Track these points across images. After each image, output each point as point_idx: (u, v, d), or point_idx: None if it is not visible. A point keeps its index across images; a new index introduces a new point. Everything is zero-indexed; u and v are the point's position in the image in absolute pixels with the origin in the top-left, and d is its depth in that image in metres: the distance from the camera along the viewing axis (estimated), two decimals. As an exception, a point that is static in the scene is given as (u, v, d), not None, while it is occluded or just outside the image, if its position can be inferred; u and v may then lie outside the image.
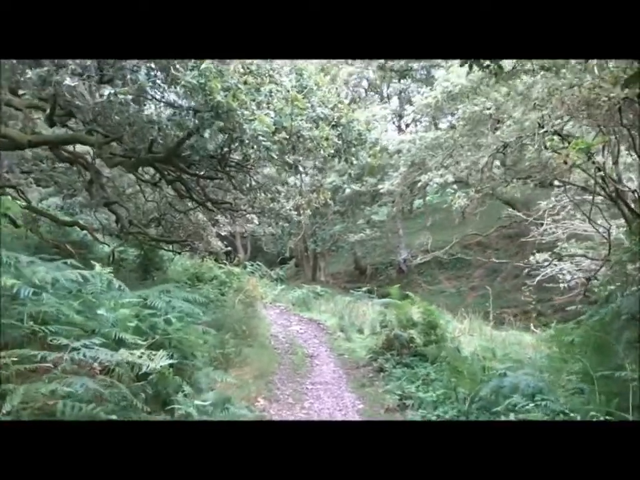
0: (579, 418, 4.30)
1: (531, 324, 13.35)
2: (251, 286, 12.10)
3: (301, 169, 7.47)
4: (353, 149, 7.62)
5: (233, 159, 8.45)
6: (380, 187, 16.98)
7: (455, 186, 15.26)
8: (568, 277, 12.84)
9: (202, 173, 8.48)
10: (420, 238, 17.66)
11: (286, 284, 20.00)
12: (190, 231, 13.30)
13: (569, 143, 4.82)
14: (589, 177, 5.85)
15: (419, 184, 15.28)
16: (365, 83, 25.83)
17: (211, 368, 5.26)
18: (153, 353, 3.46)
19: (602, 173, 5.43)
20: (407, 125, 20.12)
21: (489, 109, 14.18)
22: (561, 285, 12.78)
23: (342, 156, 7.54)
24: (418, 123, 17.13)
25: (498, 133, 15.12)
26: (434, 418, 5.23)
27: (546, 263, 13.35)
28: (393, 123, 20.81)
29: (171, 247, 13.91)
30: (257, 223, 13.76)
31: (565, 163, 4.61)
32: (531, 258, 14.06)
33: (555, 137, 5.06)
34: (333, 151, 7.19)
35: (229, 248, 14.54)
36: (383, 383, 6.73)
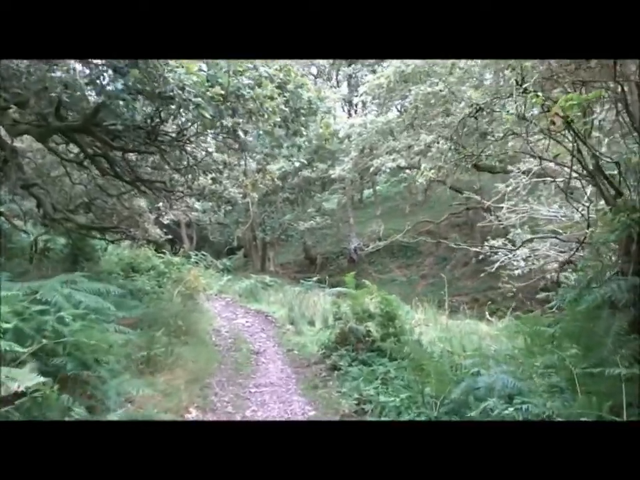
0: (568, 424, 3.57)
1: (486, 312, 12.86)
2: (192, 277, 10.92)
3: (241, 134, 6.38)
4: (302, 119, 6.64)
5: (165, 132, 7.28)
6: (331, 172, 16.08)
7: (408, 171, 14.53)
8: (522, 264, 12.40)
9: (130, 147, 7.25)
10: (372, 226, 16.90)
11: (233, 274, 18.83)
12: (124, 217, 11.94)
13: (555, 102, 4.11)
14: (566, 149, 5.15)
15: (371, 169, 14.47)
16: (314, 70, 24.84)
17: (127, 376, 4.17)
18: (16, 369, 2.38)
19: (579, 142, 4.72)
20: (356, 108, 19.26)
21: (442, 90, 13.57)
22: (516, 272, 12.33)
23: (290, 126, 6.55)
24: (368, 107, 16.29)
25: (450, 118, 14.57)
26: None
27: (501, 250, 12.85)
28: (343, 109, 19.91)
29: (104, 235, 12.54)
30: (199, 207, 12.53)
31: (553, 123, 3.83)
32: (486, 244, 13.54)
33: (540, 94, 4.35)
34: (279, 119, 6.19)
35: (170, 236, 13.17)
36: (337, 384, 5.84)
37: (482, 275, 18.94)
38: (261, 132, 7.78)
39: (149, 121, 6.97)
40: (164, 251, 13.01)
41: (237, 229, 20.60)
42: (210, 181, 8.64)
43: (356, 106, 19.39)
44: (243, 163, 8.41)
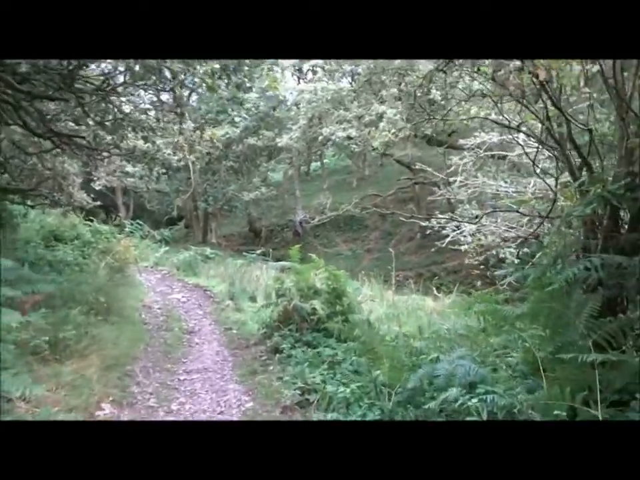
0: (537, 418, 3.10)
1: (433, 288, 12.60)
2: (122, 247, 9.87)
3: (167, 74, 5.43)
4: (246, 68, 5.76)
5: (86, 77, 6.19)
6: (278, 140, 15.17)
7: (358, 142, 13.88)
8: (469, 239, 12.14)
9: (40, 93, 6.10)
10: (320, 198, 16.21)
11: (172, 246, 17.68)
12: (44, 179, 10.60)
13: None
14: (536, 116, 4.65)
15: (320, 138, 13.70)
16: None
17: (12, 372, 3.30)
18: None
19: (551, 109, 4.21)
20: (306, 77, 18.30)
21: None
22: (462, 248, 12.06)
23: (231, 75, 5.66)
24: (319, 75, 15.42)
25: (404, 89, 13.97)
26: (347, 419, 3.78)
27: (449, 225, 12.54)
28: (292, 75, 18.90)
29: (24, 199, 11.16)
30: (130, 171, 11.29)
31: (537, 77, 3.24)
32: (433, 220, 13.18)
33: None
34: (217, 66, 5.31)
35: (98, 202, 11.88)
36: (278, 369, 5.18)
37: (431, 250, 18.86)
38: (201, 88, 6.83)
39: (65, 62, 5.88)
40: (91, 218, 11.79)
41: (177, 197, 19.34)
42: (141, 141, 7.59)
43: (306, 73, 18.44)
44: (178, 121, 7.39)
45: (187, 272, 12.81)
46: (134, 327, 6.59)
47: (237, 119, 16.48)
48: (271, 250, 14.17)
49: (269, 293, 9.93)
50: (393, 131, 12.35)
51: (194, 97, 16.84)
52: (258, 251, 16.45)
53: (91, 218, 11.85)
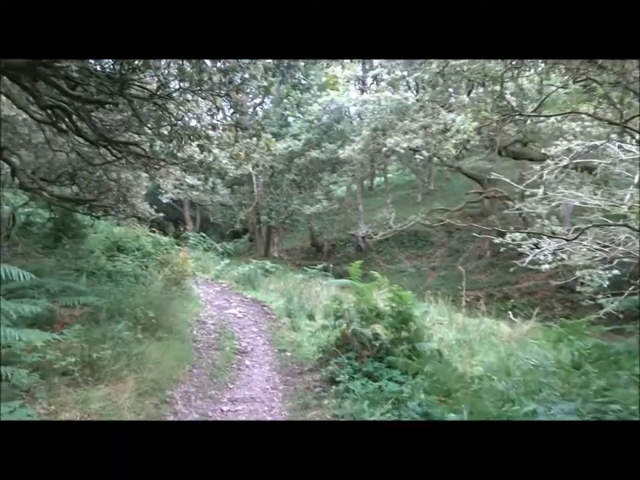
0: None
1: (509, 312, 11.36)
2: (180, 259, 9.54)
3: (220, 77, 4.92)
4: (301, 64, 5.16)
5: (139, 81, 5.84)
6: (340, 152, 14.56)
7: (425, 152, 12.98)
8: (549, 258, 10.85)
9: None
10: (382, 212, 15.38)
11: (234, 259, 17.47)
12: (108, 190, 10.53)
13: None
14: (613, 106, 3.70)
15: (384, 150, 12.93)
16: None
17: (10, 408, 2.77)
18: None
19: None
20: (370, 89, 17.64)
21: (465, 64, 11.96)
22: (543, 267, 10.78)
23: (285, 73, 5.08)
24: (382, 85, 14.70)
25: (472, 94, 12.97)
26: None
27: (524, 243, 11.31)
28: (355, 85, 18.30)
29: (90, 210, 11.21)
30: (189, 181, 11.02)
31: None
32: (507, 236, 11.95)
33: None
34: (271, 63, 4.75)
35: (161, 214, 11.71)
36: (334, 403, 4.43)
37: (504, 269, 17.39)
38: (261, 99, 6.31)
39: (117, 67, 5.56)
40: (153, 229, 11.66)
41: (241, 211, 19.18)
42: (197, 149, 7.19)
43: (370, 85, 17.79)
44: (235, 128, 6.91)
45: (246, 286, 12.38)
46: (182, 344, 6.08)
47: (298, 132, 16.08)
48: (332, 265, 13.48)
49: (328, 312, 9.26)
50: (462, 138, 11.39)
51: (259, 112, 16.66)
52: (319, 266, 15.86)
53: (154, 229, 11.72)
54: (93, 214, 10.90)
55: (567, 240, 7.78)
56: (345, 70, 15.97)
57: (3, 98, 8.02)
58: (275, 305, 10.10)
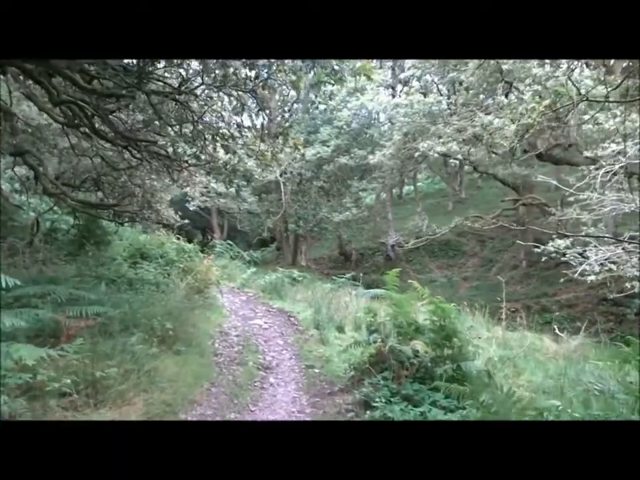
0: None
1: (553, 325, 10.50)
2: (204, 267, 9.07)
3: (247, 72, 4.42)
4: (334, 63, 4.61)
5: (157, 75, 5.41)
6: (370, 158, 13.96)
7: (460, 156, 12.26)
8: (596, 268, 9.96)
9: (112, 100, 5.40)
10: (415, 219, 14.67)
11: (261, 268, 17.01)
12: (130, 194, 10.19)
13: None
14: None
15: (416, 154, 12.27)
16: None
17: None
18: None
19: None
20: (400, 93, 17.01)
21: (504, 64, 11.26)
22: (589, 279, 9.90)
23: (315, 71, 4.53)
24: (414, 88, 14.07)
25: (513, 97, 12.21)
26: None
27: (569, 251, 10.46)
28: (385, 89, 17.72)
29: (114, 216, 10.91)
30: (215, 186, 10.52)
31: None
32: (550, 245, 11.08)
33: None
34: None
35: (186, 221, 11.27)
36: (369, 433, 3.79)
37: (541, 279, 16.40)
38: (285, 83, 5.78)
39: (134, 60, 5.13)
40: (178, 237, 11.27)
41: (268, 219, 18.74)
42: (221, 150, 6.72)
43: (401, 90, 17.20)
44: (259, 125, 6.41)
45: (272, 295, 11.84)
46: (201, 358, 5.55)
47: (327, 138, 15.56)
48: (361, 275, 12.82)
49: (359, 325, 8.62)
50: (501, 142, 10.65)
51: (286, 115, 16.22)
52: (347, 275, 15.24)
53: (179, 237, 11.33)
54: (118, 220, 10.60)
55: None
56: (374, 75, 15.42)
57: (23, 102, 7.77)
58: (302, 315, 9.53)
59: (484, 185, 27.95)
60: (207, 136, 6.51)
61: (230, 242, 15.71)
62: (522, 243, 12.40)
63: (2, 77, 6.76)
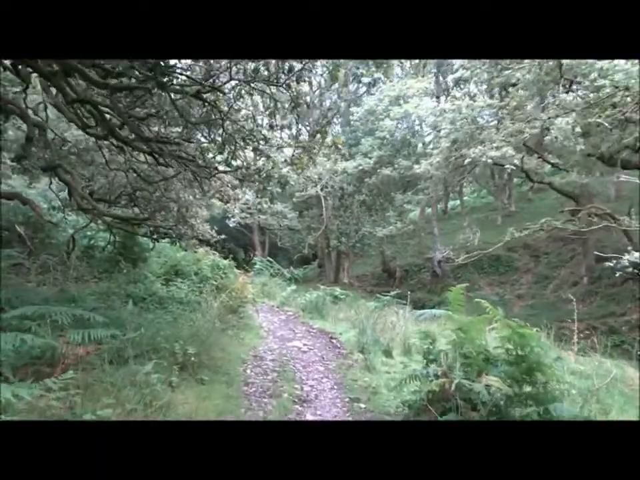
0: None
1: (636, 350, 9.10)
2: (239, 285, 8.34)
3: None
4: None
5: (177, 67, 4.77)
6: (416, 168, 13.00)
7: (516, 161, 11.12)
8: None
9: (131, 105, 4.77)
10: (466, 232, 13.53)
11: (302, 285, 16.21)
12: (162, 208, 9.65)
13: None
14: None
15: (466, 161, 11.21)
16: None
17: None
18: None
19: None
20: (446, 98, 15.99)
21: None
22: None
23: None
24: (461, 89, 13.05)
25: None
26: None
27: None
28: (431, 96, 16.75)
29: (152, 232, 10.44)
30: (249, 197, 9.77)
31: None
32: (626, 258, 9.69)
33: None
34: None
35: (222, 236, 10.55)
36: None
37: (598, 297, 14.84)
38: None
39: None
40: (215, 252, 10.64)
41: (309, 235, 17.99)
42: (252, 154, 6.00)
43: (446, 96, 16.20)
44: (295, 126, 5.64)
45: (313, 314, 10.98)
46: (228, 389, 4.73)
47: (369, 149, 14.71)
48: (409, 292, 11.78)
49: (407, 348, 7.61)
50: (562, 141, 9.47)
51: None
52: (392, 293, 14.21)
53: (216, 252, 10.70)
54: (153, 237, 10.10)
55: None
56: (418, 82, 14.52)
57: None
58: (345, 337, 8.60)
59: (535, 197, 26.27)
60: (237, 139, 5.82)
61: (270, 259, 15.02)
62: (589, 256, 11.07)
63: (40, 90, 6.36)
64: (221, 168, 6.33)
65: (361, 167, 14.85)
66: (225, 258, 10.72)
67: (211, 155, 6.40)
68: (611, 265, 9.91)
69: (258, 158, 6.22)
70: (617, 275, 10.50)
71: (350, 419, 4.48)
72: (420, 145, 14.30)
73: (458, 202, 29.63)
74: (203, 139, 6.35)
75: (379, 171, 14.91)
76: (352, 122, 15.89)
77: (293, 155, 5.75)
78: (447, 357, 3.88)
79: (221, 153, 6.08)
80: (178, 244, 12.22)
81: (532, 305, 17.54)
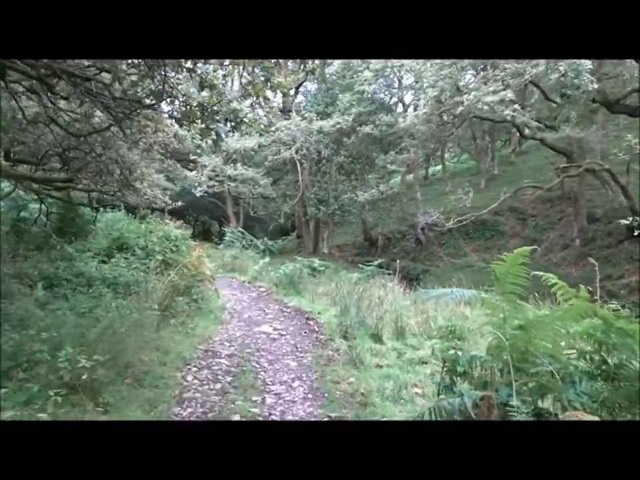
0: None
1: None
2: (194, 259, 6.58)
3: None
4: None
5: None
6: (401, 121, 11.20)
7: (517, 107, 9.43)
8: None
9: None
10: (457, 193, 11.93)
11: (278, 257, 14.50)
12: (108, 172, 7.76)
13: None
14: None
15: (459, 109, 9.45)
16: None
17: None
18: None
19: None
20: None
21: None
22: None
23: None
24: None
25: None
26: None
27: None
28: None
29: (91, 201, 8.60)
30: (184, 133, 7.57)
31: None
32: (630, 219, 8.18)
33: None
34: None
35: (169, 201, 8.55)
36: None
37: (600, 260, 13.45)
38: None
39: None
40: (167, 222, 8.79)
41: (285, 203, 16.17)
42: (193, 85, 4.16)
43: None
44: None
45: (288, 290, 9.31)
46: (144, 415, 3.03)
47: (347, 106, 12.82)
48: (397, 261, 10.18)
49: (400, 330, 6.03)
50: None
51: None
52: (375, 262, 12.64)
53: (167, 221, 8.86)
54: (92, 205, 8.22)
55: None
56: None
57: None
58: (325, 317, 6.99)
59: (517, 160, 24.81)
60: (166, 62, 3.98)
61: (241, 230, 13.22)
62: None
63: None
64: (146, 101, 4.46)
65: (338, 126, 12.99)
66: (206, 232, 8.87)
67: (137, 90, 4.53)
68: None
69: (200, 89, 4.39)
70: (612, 235, 9.05)
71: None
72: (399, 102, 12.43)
73: (438, 168, 28.04)
74: (124, 67, 4.48)
75: (358, 129, 13.05)
76: (327, 75, 13.93)
77: (241, 77, 3.93)
78: (491, 373, 2.23)
79: (151, 78, 4.24)
80: (136, 215, 10.28)
81: (522, 270, 16.19)
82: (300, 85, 16.35)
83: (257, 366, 4.68)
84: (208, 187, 14.19)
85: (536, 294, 7.17)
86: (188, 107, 4.70)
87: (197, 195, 14.32)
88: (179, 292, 5.96)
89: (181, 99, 4.59)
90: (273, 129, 11.76)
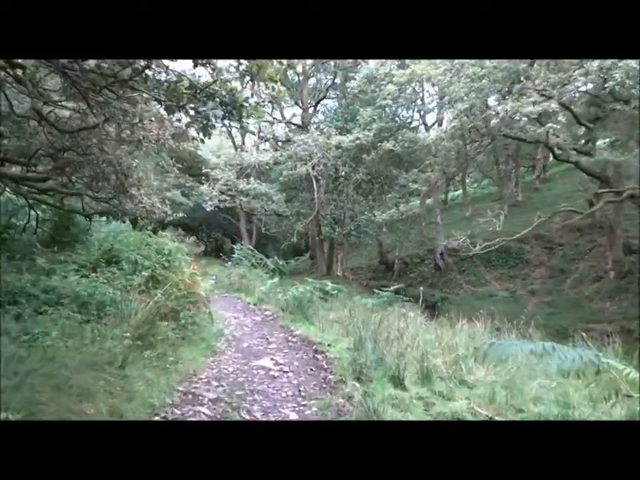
0: None
1: None
2: (187, 278, 5.58)
3: None
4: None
5: None
6: (426, 136, 10.22)
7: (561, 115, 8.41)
8: None
9: None
10: (487, 216, 10.86)
11: (289, 278, 13.48)
12: (103, 177, 6.94)
13: None
14: None
15: (493, 122, 8.44)
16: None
17: None
18: None
19: None
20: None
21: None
22: None
23: None
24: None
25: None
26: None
27: None
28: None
29: (84, 209, 7.76)
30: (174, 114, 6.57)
31: None
32: None
33: None
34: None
35: (168, 210, 7.56)
36: None
37: (630, 294, 12.16)
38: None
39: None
40: (165, 235, 7.85)
41: (298, 222, 15.21)
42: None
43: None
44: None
45: (296, 315, 8.25)
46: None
47: (368, 120, 11.93)
48: (421, 289, 9.08)
49: (425, 372, 4.95)
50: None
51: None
52: (392, 287, 11.56)
53: (165, 234, 7.93)
54: (85, 213, 7.35)
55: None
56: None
57: None
58: (336, 350, 5.90)
59: (542, 186, 23.60)
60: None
61: (251, 247, 12.27)
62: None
63: None
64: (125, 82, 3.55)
65: (358, 141, 12.07)
66: (219, 250, 7.92)
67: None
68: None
69: (194, 66, 3.48)
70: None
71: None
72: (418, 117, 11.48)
73: (457, 193, 26.97)
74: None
75: (379, 145, 12.10)
76: (348, 90, 13.12)
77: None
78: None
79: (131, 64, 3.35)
80: (134, 226, 9.40)
81: (549, 303, 14.87)
82: (319, 101, 15.58)
83: (247, 417, 3.62)
84: (219, 201, 13.33)
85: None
86: (173, 84, 3.76)
87: (207, 209, 13.47)
88: (164, 316, 4.96)
89: (166, 77, 3.67)
90: (287, 141, 10.88)
